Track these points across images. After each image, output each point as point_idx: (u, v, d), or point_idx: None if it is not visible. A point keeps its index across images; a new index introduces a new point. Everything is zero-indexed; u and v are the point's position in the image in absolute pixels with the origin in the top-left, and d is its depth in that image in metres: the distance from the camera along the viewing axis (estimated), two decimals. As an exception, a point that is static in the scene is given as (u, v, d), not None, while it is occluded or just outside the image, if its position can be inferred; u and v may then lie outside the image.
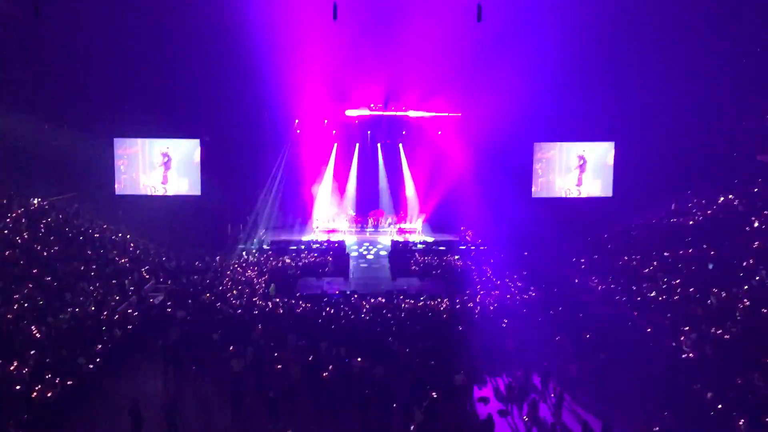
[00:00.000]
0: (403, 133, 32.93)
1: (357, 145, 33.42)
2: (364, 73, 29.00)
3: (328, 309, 18.96)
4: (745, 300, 16.44)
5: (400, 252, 28.05)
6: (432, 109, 31.59)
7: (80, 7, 24.42)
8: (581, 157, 30.64)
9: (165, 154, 29.61)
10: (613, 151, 30.45)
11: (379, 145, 33.49)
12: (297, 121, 32.26)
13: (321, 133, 32.59)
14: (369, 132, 32.96)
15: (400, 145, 33.45)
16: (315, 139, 32.66)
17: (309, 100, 30.37)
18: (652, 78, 27.44)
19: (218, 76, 27.58)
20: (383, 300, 20.34)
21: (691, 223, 23.44)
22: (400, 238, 30.69)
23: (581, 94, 28.55)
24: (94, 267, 20.64)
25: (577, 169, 30.73)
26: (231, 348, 15.80)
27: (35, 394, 12.75)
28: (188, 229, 28.64)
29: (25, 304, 16.26)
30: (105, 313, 17.51)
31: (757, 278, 17.43)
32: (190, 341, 16.57)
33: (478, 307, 19.36)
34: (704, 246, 20.61)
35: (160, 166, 29.63)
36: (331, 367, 14.56)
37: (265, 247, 28.76)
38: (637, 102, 28.07)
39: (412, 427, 12.53)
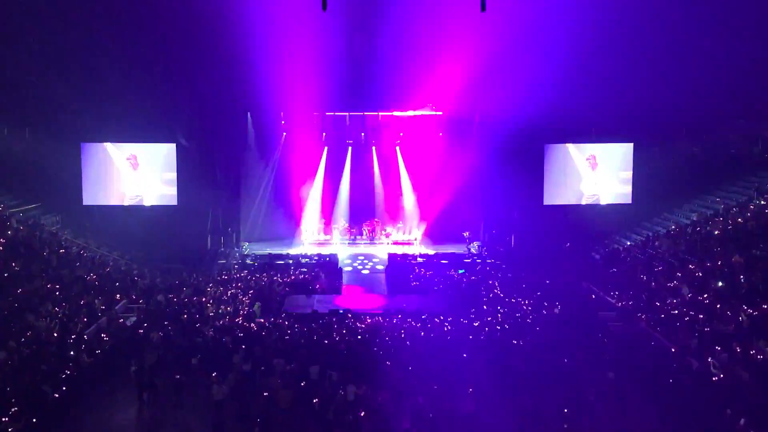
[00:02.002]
0: (401, 135, 33.02)
1: (349, 148, 33.50)
2: (360, 71, 29.07)
3: (318, 330, 18.96)
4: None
5: (398, 266, 28.09)
6: (432, 108, 31.76)
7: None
8: (597, 161, 30.77)
9: (137, 160, 29.64)
10: (632, 153, 30.57)
11: (373, 148, 33.55)
12: (283, 123, 32.34)
13: (310, 136, 32.63)
14: (363, 134, 33.06)
15: (397, 148, 33.55)
16: (304, 142, 32.71)
17: (297, 100, 30.42)
18: (674, 71, 27.50)
19: (196, 73, 27.65)
20: (380, 319, 20.36)
21: (716, 233, 23.55)
22: (398, 251, 30.72)
23: (596, 91, 28.67)
24: (59, 285, 20.61)
25: (592, 174, 30.84)
26: (213, 374, 15.78)
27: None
28: (164, 242, 28.61)
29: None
30: (72, 336, 17.46)
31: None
32: (166, 367, 16.53)
33: (486, 327, 19.39)
34: (734, 257, 20.70)
35: (132, 174, 29.64)
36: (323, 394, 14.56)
37: (248, 261, 28.75)
38: (659, 98, 28.16)
39: None
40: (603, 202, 30.89)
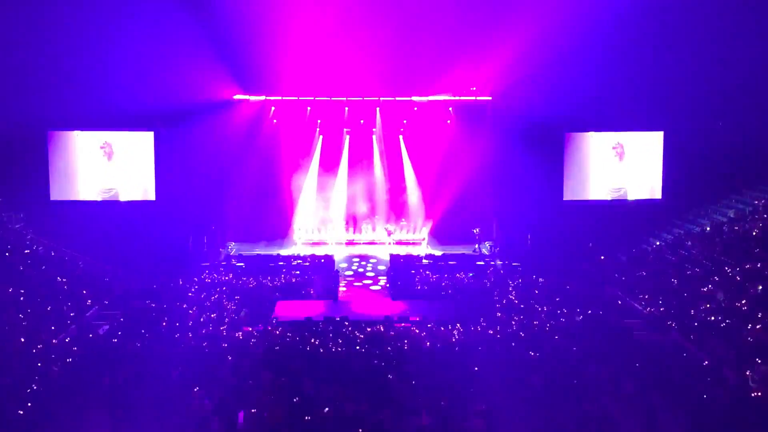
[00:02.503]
0: (405, 122, 33.01)
1: (347, 136, 33.51)
2: (359, 45, 28.96)
3: (312, 339, 19.01)
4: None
5: (401, 269, 28.12)
6: (440, 92, 31.70)
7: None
8: (623, 151, 30.74)
9: (112, 149, 29.64)
10: (662, 143, 30.53)
11: (374, 136, 33.57)
12: (273, 108, 32.35)
13: (303, 123, 32.64)
14: (362, 121, 33.08)
15: (401, 137, 33.56)
16: (296, 129, 32.72)
17: (287, 80, 30.41)
18: (711, 50, 27.34)
19: (176, 51, 27.55)
20: (381, 328, 20.40)
21: (756, 232, 23.54)
22: (401, 252, 30.75)
23: (623, 73, 28.57)
24: (23, 290, 20.66)
25: (618, 166, 30.82)
26: (195, 388, 15.82)
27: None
28: (140, 242, 28.61)
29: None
30: (38, 346, 17.50)
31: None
32: (143, 380, 16.57)
33: (498, 336, 19.44)
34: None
35: (106, 165, 29.65)
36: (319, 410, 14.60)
37: (234, 263, 28.81)
38: (693, 81, 28.05)
39: None
40: (630, 197, 30.90)
